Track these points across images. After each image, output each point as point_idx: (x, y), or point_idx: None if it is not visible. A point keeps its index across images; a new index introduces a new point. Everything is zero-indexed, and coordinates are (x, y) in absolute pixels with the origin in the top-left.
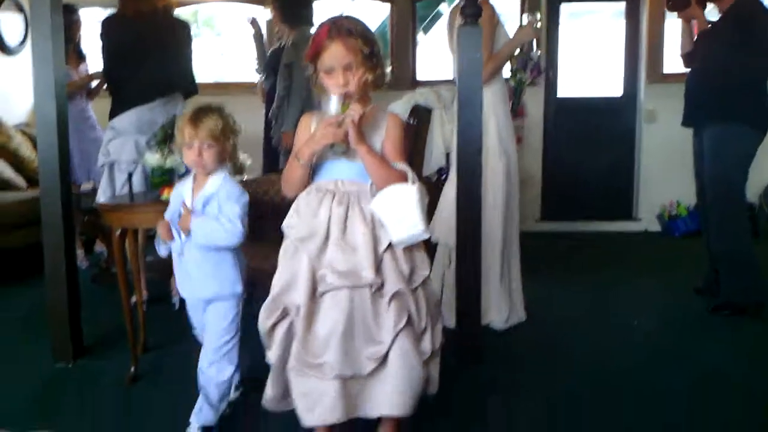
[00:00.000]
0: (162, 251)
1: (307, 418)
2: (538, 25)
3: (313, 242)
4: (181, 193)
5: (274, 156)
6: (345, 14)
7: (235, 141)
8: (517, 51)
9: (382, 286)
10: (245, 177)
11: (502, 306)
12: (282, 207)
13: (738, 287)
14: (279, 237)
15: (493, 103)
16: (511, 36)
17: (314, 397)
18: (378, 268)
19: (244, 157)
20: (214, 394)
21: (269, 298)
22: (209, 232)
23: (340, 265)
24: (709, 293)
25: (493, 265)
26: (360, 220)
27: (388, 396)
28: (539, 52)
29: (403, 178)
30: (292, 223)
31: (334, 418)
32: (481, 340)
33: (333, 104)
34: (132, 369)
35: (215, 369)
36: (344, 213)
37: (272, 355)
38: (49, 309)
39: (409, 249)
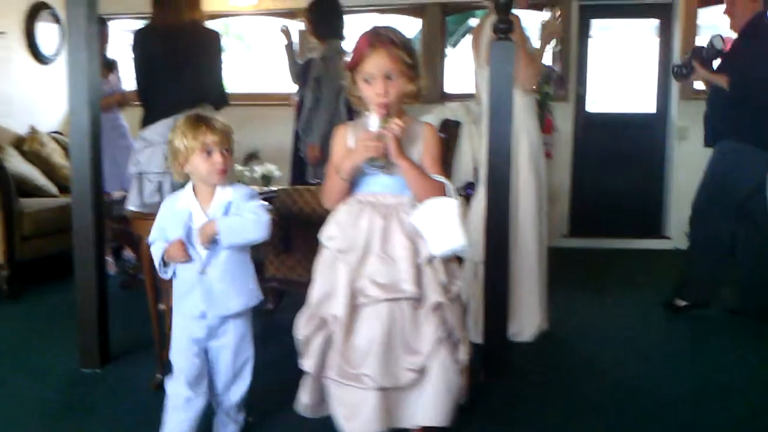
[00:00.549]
0: (166, 274)
1: (346, 427)
2: (559, 20)
3: (353, 254)
4: (182, 211)
5: (302, 168)
6: (386, 25)
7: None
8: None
9: (422, 298)
10: (274, 188)
11: (531, 319)
12: (312, 218)
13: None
14: (306, 248)
15: (524, 117)
16: (535, 45)
17: (353, 407)
18: (418, 280)
19: (272, 169)
20: (235, 411)
21: (306, 308)
22: (239, 228)
23: (381, 277)
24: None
25: (524, 279)
26: (400, 232)
27: (428, 406)
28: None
29: (442, 190)
30: (331, 234)
31: (373, 428)
32: (507, 354)
33: (373, 121)
34: (158, 375)
35: (236, 389)
36: (384, 225)
37: (309, 364)
38: (77, 315)
39: (445, 261)
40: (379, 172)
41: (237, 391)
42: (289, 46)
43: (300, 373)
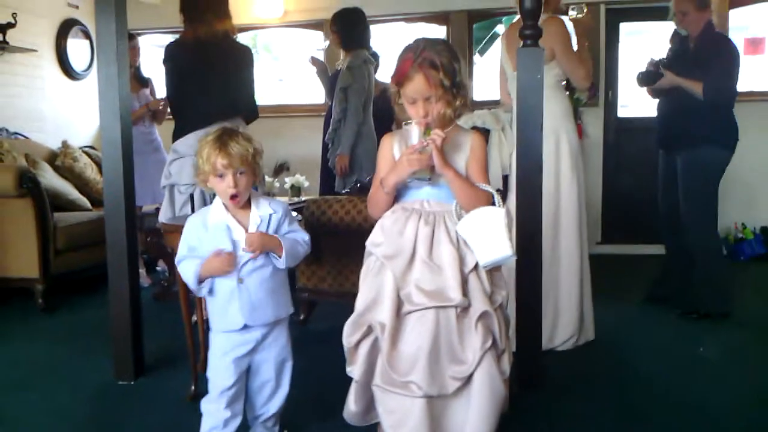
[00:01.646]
0: (201, 291)
1: None
2: (588, 14)
3: (399, 261)
4: (217, 224)
5: (331, 178)
6: (430, 40)
7: (261, 161)
8: None
9: (468, 306)
10: (303, 198)
11: (573, 328)
12: (340, 228)
13: (708, 295)
14: (336, 258)
15: (563, 122)
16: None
17: (400, 415)
18: (464, 288)
19: (301, 179)
20: (272, 422)
21: (354, 316)
22: (296, 253)
23: (427, 284)
24: (662, 299)
25: (567, 287)
26: (446, 240)
27: (475, 417)
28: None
29: (488, 199)
30: (377, 241)
31: None
32: (541, 364)
33: (415, 134)
34: (192, 387)
35: (275, 400)
36: (431, 232)
37: (356, 371)
38: (111, 327)
39: (489, 270)
40: (423, 184)
41: (276, 402)
42: (322, 72)
43: (334, 382)
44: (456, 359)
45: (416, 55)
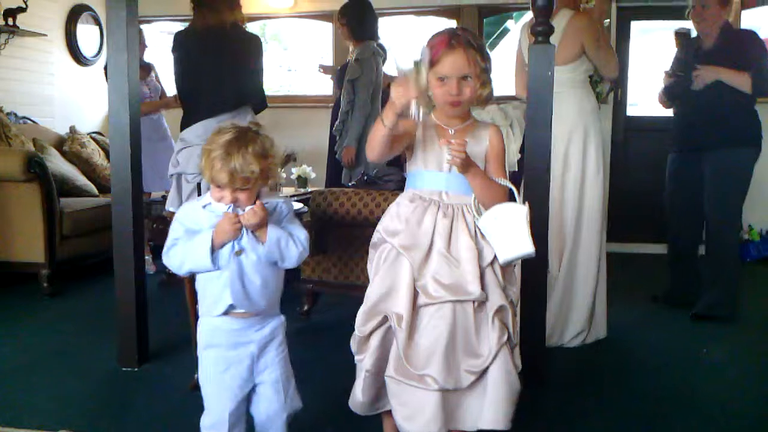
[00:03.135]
0: (215, 263)
1: (407, 427)
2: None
3: (417, 252)
4: (214, 206)
5: (338, 170)
6: (463, 27)
7: (273, 164)
8: None
9: (485, 300)
10: (309, 189)
11: (581, 323)
12: (346, 220)
13: (719, 298)
14: (341, 250)
15: (592, 121)
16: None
17: (414, 407)
18: (481, 282)
19: (308, 170)
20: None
21: (367, 305)
22: (284, 249)
23: (445, 277)
24: (680, 303)
25: (583, 285)
26: (465, 233)
27: (491, 410)
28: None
29: (506, 193)
30: (394, 230)
31: (434, 429)
32: (544, 361)
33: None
34: (195, 375)
35: (288, 418)
36: (449, 225)
37: (367, 361)
38: (116, 314)
39: (503, 265)
40: (418, 112)
41: (291, 412)
42: (335, 74)
43: (337, 373)
44: (471, 353)
45: (452, 34)
